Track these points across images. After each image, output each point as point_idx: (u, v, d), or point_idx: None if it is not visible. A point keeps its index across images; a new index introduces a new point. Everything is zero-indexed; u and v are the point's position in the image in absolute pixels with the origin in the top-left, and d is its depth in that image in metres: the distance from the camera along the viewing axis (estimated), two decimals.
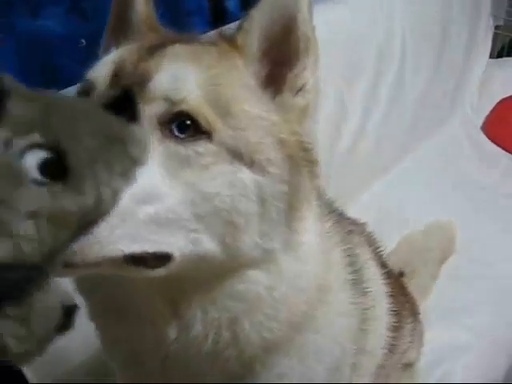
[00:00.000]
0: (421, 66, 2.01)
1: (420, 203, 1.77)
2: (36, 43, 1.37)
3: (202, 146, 0.58)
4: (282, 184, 0.65)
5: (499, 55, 2.56)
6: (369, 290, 0.91)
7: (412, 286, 1.36)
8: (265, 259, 0.66)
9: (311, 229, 0.72)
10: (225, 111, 0.60)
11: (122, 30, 0.74)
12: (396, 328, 1.03)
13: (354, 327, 0.86)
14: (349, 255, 0.87)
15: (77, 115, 0.41)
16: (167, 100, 0.58)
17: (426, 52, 2.03)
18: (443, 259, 1.56)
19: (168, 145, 0.58)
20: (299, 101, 0.69)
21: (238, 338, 0.67)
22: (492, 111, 2.25)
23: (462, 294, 1.48)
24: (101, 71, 0.63)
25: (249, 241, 0.63)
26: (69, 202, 0.39)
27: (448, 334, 1.39)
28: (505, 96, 2.24)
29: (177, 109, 0.58)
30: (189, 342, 0.67)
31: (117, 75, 0.61)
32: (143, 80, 0.59)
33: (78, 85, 0.66)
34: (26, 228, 0.36)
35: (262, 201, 0.63)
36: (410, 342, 1.16)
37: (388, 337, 1.01)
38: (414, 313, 1.22)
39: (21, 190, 0.36)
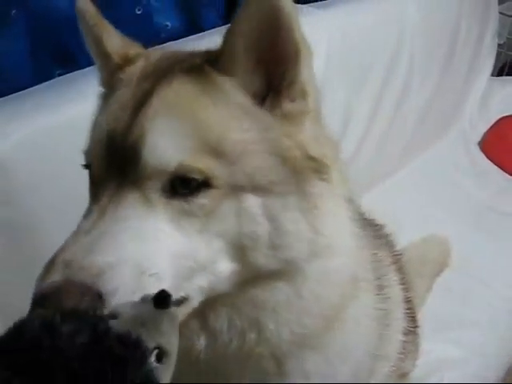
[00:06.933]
0: (426, 78, 2.03)
1: (414, 213, 1.79)
2: (48, 22, 1.32)
3: (203, 197, 0.61)
4: (290, 196, 0.65)
5: (500, 73, 2.60)
6: (388, 295, 0.92)
7: None
8: (287, 269, 0.67)
9: (342, 226, 0.72)
10: (218, 151, 0.61)
11: (105, 65, 0.76)
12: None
13: (376, 331, 0.87)
14: (374, 261, 0.87)
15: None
16: (162, 171, 0.60)
17: (433, 63, 2.06)
18: (438, 272, 1.59)
19: (173, 204, 0.61)
20: (299, 105, 0.66)
21: (265, 337, 0.69)
22: (491, 129, 2.27)
23: (456, 309, 1.51)
24: (95, 150, 0.65)
25: (261, 257, 0.65)
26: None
27: (439, 347, 1.41)
28: (503, 115, 2.27)
29: (173, 175, 0.60)
30: (216, 349, 0.69)
31: (110, 154, 0.63)
32: (135, 157, 0.61)
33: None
34: None
35: (271, 218, 0.64)
36: (408, 353, 1.17)
37: (403, 341, 1.02)
38: (414, 325, 1.22)
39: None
